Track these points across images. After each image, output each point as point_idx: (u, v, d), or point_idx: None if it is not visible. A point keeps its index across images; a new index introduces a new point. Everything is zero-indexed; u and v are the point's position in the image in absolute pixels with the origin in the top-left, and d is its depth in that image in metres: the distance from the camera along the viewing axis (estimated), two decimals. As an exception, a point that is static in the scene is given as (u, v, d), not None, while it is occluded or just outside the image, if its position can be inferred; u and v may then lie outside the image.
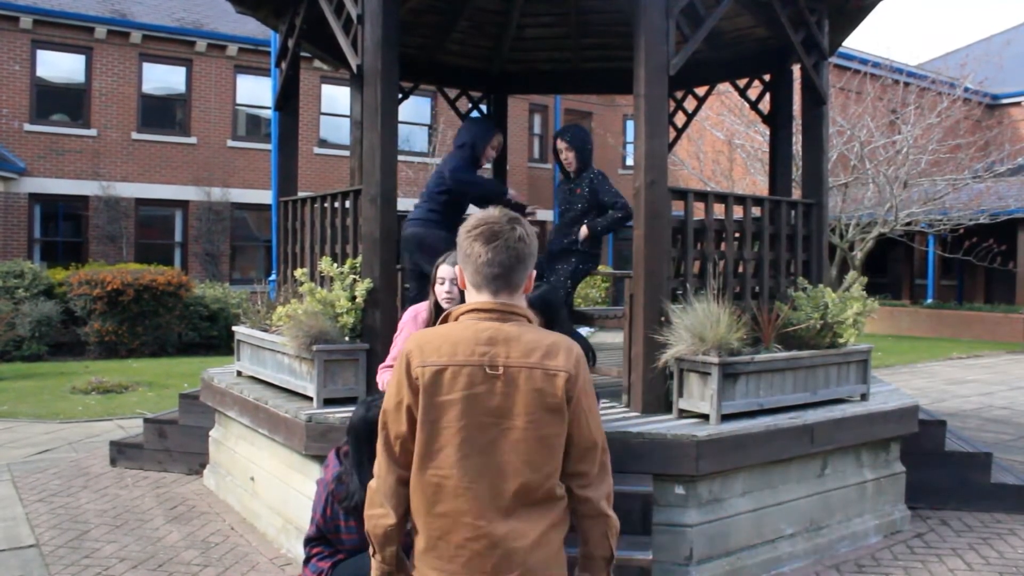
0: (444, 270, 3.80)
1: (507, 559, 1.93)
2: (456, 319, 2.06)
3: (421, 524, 2.02)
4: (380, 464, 2.06)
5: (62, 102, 17.17)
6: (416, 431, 1.98)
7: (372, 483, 2.10)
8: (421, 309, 4.06)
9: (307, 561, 3.41)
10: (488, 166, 6.76)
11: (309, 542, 3.42)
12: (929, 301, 20.40)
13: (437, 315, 3.82)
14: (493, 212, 2.09)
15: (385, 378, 4.20)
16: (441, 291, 3.81)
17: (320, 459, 4.32)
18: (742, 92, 6.98)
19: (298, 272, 5.08)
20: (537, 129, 23.73)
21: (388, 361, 4.21)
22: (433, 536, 1.99)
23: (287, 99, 6.12)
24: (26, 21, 16.31)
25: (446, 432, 1.96)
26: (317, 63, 14.32)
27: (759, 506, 4.28)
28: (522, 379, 1.96)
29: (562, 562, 2.03)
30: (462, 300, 2.43)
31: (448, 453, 1.96)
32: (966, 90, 17.41)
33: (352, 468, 3.29)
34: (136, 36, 17.41)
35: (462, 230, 2.09)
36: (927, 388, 10.80)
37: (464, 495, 1.95)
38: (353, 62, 4.82)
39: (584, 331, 7.31)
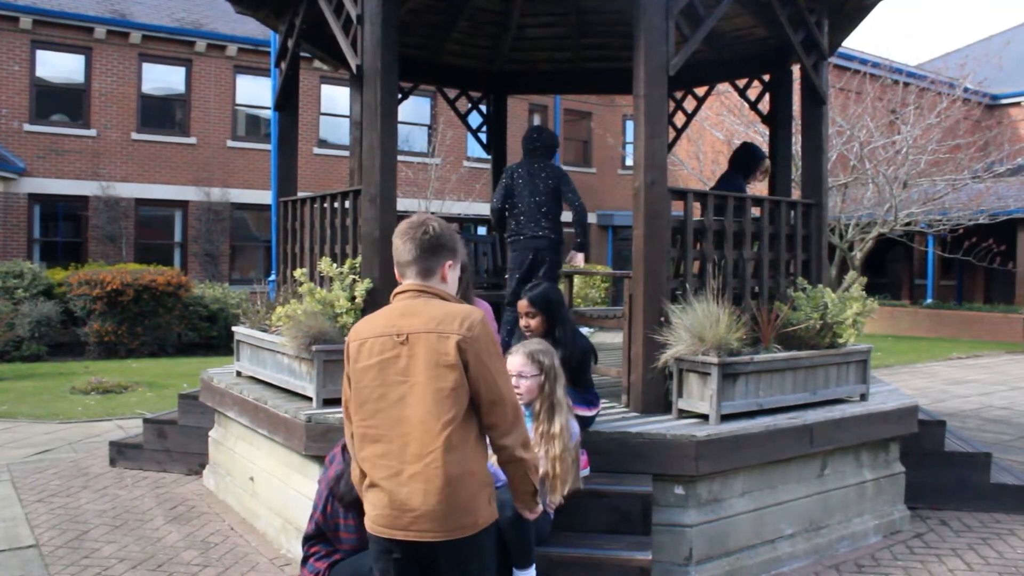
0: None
1: (426, 489, 2.33)
2: (391, 303, 2.55)
3: (358, 466, 2.50)
4: (346, 421, 2.58)
5: (62, 102, 17.16)
6: (353, 393, 2.47)
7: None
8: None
9: (305, 561, 3.40)
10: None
11: (308, 540, 3.41)
12: (929, 301, 20.40)
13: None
14: (414, 216, 2.60)
15: None
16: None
17: (320, 459, 4.32)
18: (742, 92, 6.98)
19: (298, 272, 5.08)
20: (537, 129, 23.71)
21: None
22: (369, 475, 2.44)
23: (287, 99, 6.12)
24: (26, 21, 16.31)
25: (366, 391, 2.44)
26: (317, 63, 14.33)
27: (759, 506, 4.28)
28: (421, 343, 2.39)
29: (472, 484, 2.39)
30: (459, 286, 3.01)
31: (368, 408, 2.44)
32: (966, 90, 17.40)
33: (347, 454, 3.29)
34: (136, 36, 17.40)
35: (394, 233, 2.58)
36: (927, 388, 10.80)
37: (381, 440, 2.41)
38: (353, 62, 4.82)
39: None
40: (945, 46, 76.99)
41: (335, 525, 3.29)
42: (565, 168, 24.19)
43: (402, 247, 2.52)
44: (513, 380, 3.15)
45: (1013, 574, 4.28)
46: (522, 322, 4.13)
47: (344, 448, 3.42)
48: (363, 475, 2.47)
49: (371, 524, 2.43)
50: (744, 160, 6.03)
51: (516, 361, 3.46)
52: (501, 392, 2.43)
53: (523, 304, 4.12)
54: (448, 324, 2.39)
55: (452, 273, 2.57)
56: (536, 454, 2.57)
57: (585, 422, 4.03)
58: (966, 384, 11.35)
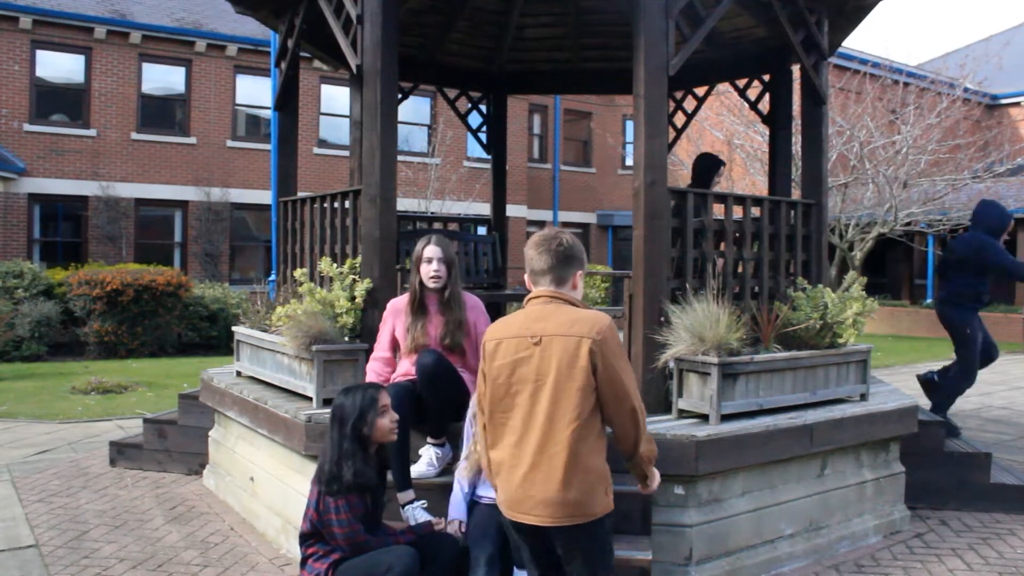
0: (431, 250, 4.00)
1: (544, 477, 2.59)
2: (524, 307, 2.81)
3: (493, 455, 2.75)
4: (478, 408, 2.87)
5: (62, 102, 17.16)
6: (488, 388, 2.74)
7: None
8: (400, 301, 4.20)
9: (304, 562, 3.40)
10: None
11: (304, 540, 3.41)
12: (929, 301, 20.38)
13: (422, 294, 4.06)
14: (546, 229, 2.84)
15: (374, 367, 4.25)
16: (428, 270, 4.00)
17: (320, 459, 4.33)
18: (742, 92, 6.98)
19: (298, 272, 5.08)
20: (537, 129, 23.73)
21: (376, 352, 4.26)
22: (499, 463, 2.72)
23: (287, 99, 6.12)
24: (26, 21, 16.31)
25: (501, 388, 2.70)
26: (317, 63, 14.34)
27: (759, 506, 4.28)
28: (554, 344, 2.63)
29: (594, 478, 2.63)
30: (448, 279, 3.92)
31: (503, 403, 2.71)
32: (966, 90, 17.41)
33: (333, 452, 3.33)
34: (136, 36, 17.40)
35: (527, 244, 2.82)
36: (927, 388, 10.77)
37: (513, 433, 2.68)
38: (353, 62, 4.82)
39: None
40: (945, 46, 76.98)
41: (328, 520, 3.30)
42: (565, 168, 24.29)
43: (537, 257, 2.76)
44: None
45: (1013, 574, 4.28)
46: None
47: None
48: (492, 464, 2.77)
49: (502, 506, 2.74)
50: (702, 170, 6.55)
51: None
52: (627, 391, 2.65)
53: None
54: (580, 328, 2.63)
55: (581, 282, 2.83)
56: (654, 448, 2.80)
57: None
58: (966, 384, 11.32)
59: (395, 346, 4.22)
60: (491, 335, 2.78)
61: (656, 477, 2.87)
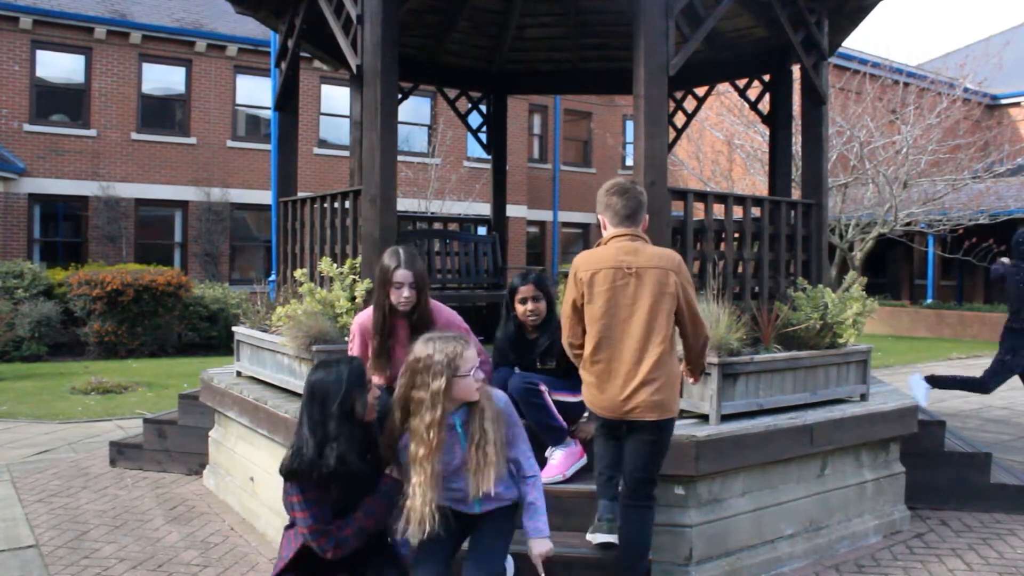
0: (402, 275, 3.66)
1: (643, 383, 3.19)
2: (606, 243, 3.34)
3: (588, 368, 3.31)
4: (567, 331, 3.42)
5: (62, 102, 17.16)
6: (583, 314, 3.29)
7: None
8: (366, 319, 3.87)
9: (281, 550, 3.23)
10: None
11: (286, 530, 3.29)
12: (929, 301, 20.40)
13: (391, 316, 3.73)
14: (619, 179, 3.42)
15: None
16: (399, 296, 3.67)
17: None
18: (742, 92, 6.98)
19: (298, 272, 5.08)
20: (537, 129, 23.72)
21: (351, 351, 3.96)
22: (595, 373, 3.29)
23: (287, 99, 6.12)
24: (26, 21, 16.31)
25: (599, 310, 3.24)
26: (317, 63, 14.34)
27: (759, 506, 4.28)
28: (648, 275, 3.22)
29: (675, 382, 3.28)
30: (417, 302, 3.69)
31: (601, 323, 3.24)
32: (966, 90, 17.41)
33: (304, 426, 3.04)
34: (136, 36, 17.40)
35: (602, 190, 3.39)
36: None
37: (611, 348, 3.24)
38: (353, 62, 4.82)
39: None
40: (945, 46, 76.97)
41: (289, 505, 3.11)
42: (565, 168, 24.26)
43: (619, 202, 3.33)
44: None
45: (1013, 574, 4.28)
46: (528, 307, 4.03)
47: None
48: (589, 376, 3.31)
49: (601, 411, 3.31)
50: None
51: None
52: (695, 308, 3.32)
53: (528, 289, 4.03)
54: (666, 262, 3.26)
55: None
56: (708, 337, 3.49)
57: (575, 408, 4.07)
58: (966, 384, 11.32)
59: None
60: (585, 267, 3.30)
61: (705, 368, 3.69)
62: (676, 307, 3.24)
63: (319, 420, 3.02)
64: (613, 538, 3.44)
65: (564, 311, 3.40)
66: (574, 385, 3.88)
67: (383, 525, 3.18)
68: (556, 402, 4.03)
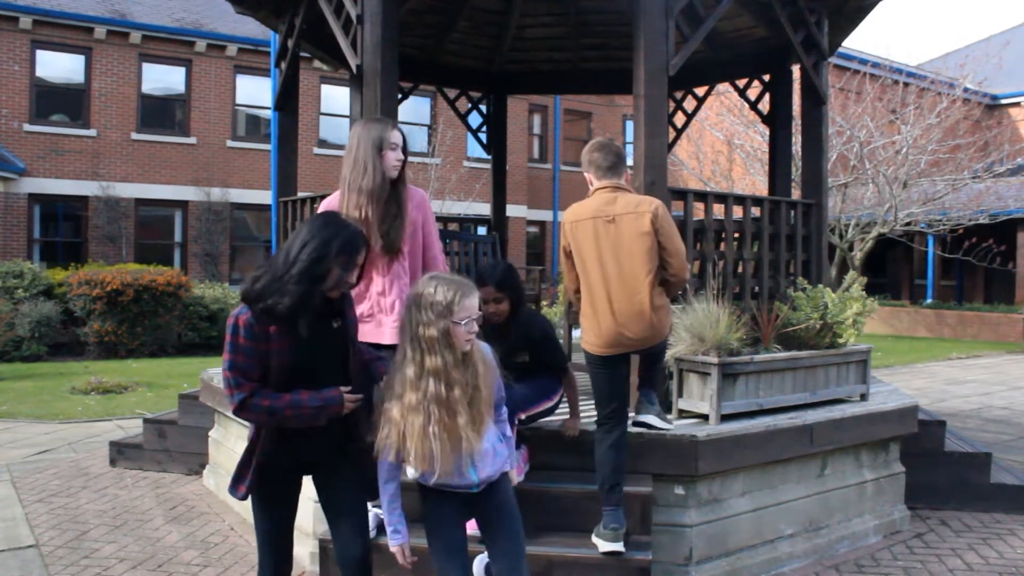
0: (398, 136, 3.56)
1: (634, 316, 3.51)
2: (592, 196, 3.67)
3: (585, 310, 3.65)
4: (566, 278, 3.79)
5: (62, 102, 17.15)
6: (574, 259, 3.68)
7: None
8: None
9: (243, 406, 2.80)
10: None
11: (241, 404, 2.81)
12: (929, 301, 20.40)
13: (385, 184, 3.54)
14: (599, 138, 3.76)
15: None
16: (393, 157, 3.54)
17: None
18: (742, 92, 6.98)
19: (298, 272, 5.07)
20: (537, 129, 23.72)
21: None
22: (589, 314, 3.61)
23: (287, 99, 6.12)
24: (26, 21, 16.31)
25: (588, 255, 3.60)
26: (317, 63, 14.33)
27: (759, 506, 4.28)
28: (623, 221, 3.54)
29: (663, 312, 3.59)
30: (404, 165, 3.64)
31: (591, 266, 3.59)
32: (966, 90, 17.40)
33: (279, 256, 2.74)
34: (136, 36, 17.40)
35: (585, 150, 3.71)
36: (927, 388, 10.81)
37: (603, 289, 3.56)
38: (353, 62, 4.82)
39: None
40: (945, 46, 76.96)
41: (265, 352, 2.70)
42: (565, 168, 24.27)
43: (600, 157, 3.65)
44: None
45: (1013, 574, 4.28)
46: (488, 309, 3.68)
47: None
48: (587, 315, 3.63)
49: (596, 348, 3.58)
50: None
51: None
52: (676, 245, 3.56)
53: (489, 290, 3.71)
54: (642, 206, 3.55)
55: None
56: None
57: (543, 414, 3.92)
58: (966, 384, 11.35)
59: None
60: (571, 218, 3.66)
61: None
62: (655, 245, 3.51)
63: (293, 260, 2.69)
64: (619, 547, 3.48)
65: (561, 259, 3.80)
66: (543, 387, 3.87)
67: (342, 422, 2.86)
68: (531, 416, 3.86)
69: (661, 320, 3.57)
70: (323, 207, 3.68)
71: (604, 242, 3.54)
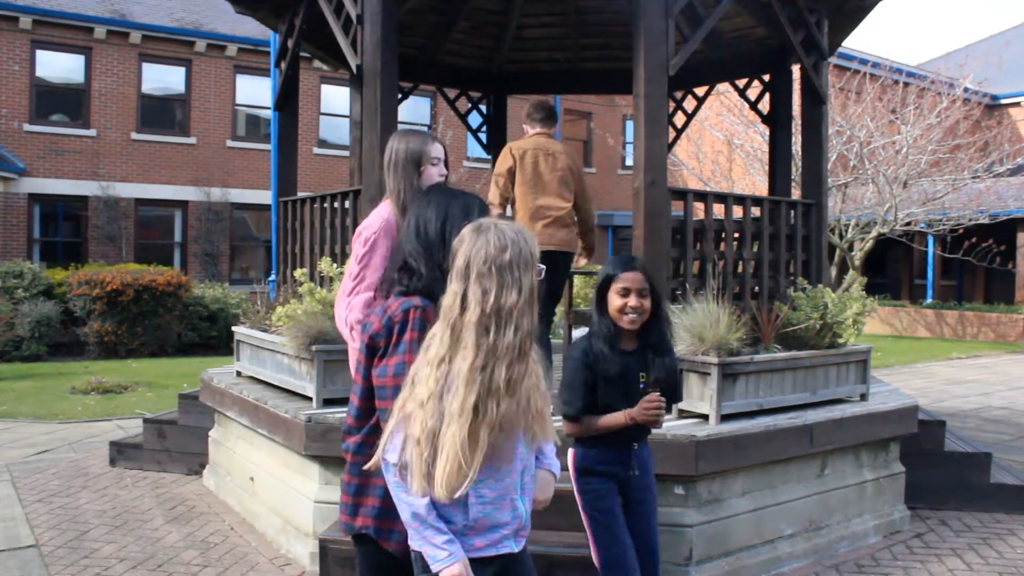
0: (439, 149, 3.27)
1: (553, 219, 4.85)
2: (530, 137, 5.02)
3: (523, 210, 4.85)
4: (500, 188, 4.92)
5: (61, 102, 17.16)
6: (515, 177, 4.87)
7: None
8: (388, 213, 3.25)
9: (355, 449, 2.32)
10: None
11: (348, 432, 2.38)
12: (929, 301, 20.39)
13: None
14: (534, 99, 5.30)
15: (360, 300, 3.20)
16: (435, 172, 3.25)
17: (320, 459, 4.32)
18: (742, 92, 6.98)
19: (298, 272, 5.08)
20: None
21: (358, 289, 3.22)
22: (527, 214, 4.81)
23: (287, 99, 6.12)
24: (25, 21, 16.31)
25: (530, 177, 4.85)
26: (317, 63, 14.32)
27: (758, 506, 4.28)
28: (557, 157, 4.91)
29: (575, 231, 5.08)
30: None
31: (530, 185, 4.84)
32: (966, 90, 17.38)
33: (412, 240, 2.32)
34: (135, 36, 17.40)
35: (525, 110, 5.12)
36: (926, 388, 10.80)
37: (539, 201, 4.84)
38: (353, 62, 4.82)
39: (585, 331, 7.30)
40: (945, 46, 76.96)
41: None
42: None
43: (535, 112, 5.04)
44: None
45: (1013, 574, 4.28)
46: (630, 302, 2.94)
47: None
48: (521, 214, 4.85)
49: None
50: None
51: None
52: (586, 187, 5.09)
53: (637, 276, 2.95)
54: (567, 151, 4.99)
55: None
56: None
57: None
58: (966, 384, 11.35)
59: None
60: (518, 148, 4.89)
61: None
62: (572, 180, 4.93)
63: (439, 244, 2.26)
64: None
65: (499, 172, 4.88)
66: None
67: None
68: None
69: (573, 234, 4.98)
70: (374, 215, 3.36)
71: (544, 167, 4.86)
